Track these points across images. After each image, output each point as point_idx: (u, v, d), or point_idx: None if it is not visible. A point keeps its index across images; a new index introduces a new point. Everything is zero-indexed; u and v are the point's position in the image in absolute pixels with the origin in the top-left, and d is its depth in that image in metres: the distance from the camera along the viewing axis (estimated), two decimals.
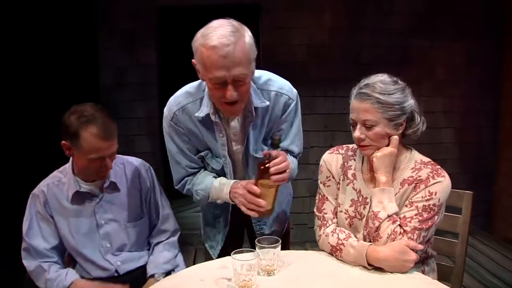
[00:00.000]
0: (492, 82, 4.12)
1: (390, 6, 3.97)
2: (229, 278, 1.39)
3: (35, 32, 3.75)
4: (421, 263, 1.56)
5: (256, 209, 1.53)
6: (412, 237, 1.43)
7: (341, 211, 1.60)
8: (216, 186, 1.66)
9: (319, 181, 1.68)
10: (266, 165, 1.48)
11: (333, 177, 1.64)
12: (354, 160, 1.63)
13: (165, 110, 1.66)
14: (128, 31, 3.90)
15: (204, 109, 1.58)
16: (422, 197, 1.46)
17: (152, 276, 1.74)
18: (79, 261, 1.74)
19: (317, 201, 1.67)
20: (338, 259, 1.52)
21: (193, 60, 1.48)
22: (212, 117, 1.58)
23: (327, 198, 1.64)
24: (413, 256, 1.41)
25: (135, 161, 1.85)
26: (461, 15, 3.99)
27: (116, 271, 1.75)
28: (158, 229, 1.86)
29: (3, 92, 3.82)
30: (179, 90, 1.68)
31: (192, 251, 3.79)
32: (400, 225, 1.44)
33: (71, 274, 1.68)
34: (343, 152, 1.66)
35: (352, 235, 1.53)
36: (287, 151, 1.70)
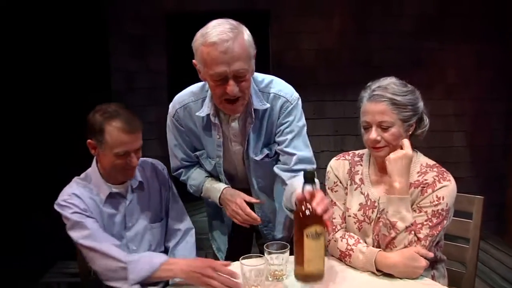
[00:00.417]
0: (503, 84, 4.08)
1: (399, 8, 3.97)
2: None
3: (47, 37, 3.83)
4: (431, 268, 1.55)
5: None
6: (425, 244, 1.42)
7: (349, 216, 1.60)
8: (207, 187, 1.76)
9: (326, 187, 1.67)
10: (307, 209, 1.27)
11: (340, 182, 1.64)
12: (361, 165, 1.63)
13: (170, 106, 1.74)
14: (138, 36, 3.96)
15: (205, 109, 1.62)
16: (430, 202, 1.45)
17: None
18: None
19: None
20: (347, 265, 1.52)
21: (193, 61, 1.51)
22: (212, 118, 1.62)
23: (335, 203, 1.63)
24: (423, 263, 1.40)
25: (151, 160, 1.82)
26: (471, 17, 3.97)
27: None
28: (172, 229, 1.81)
29: (17, 97, 3.89)
30: (186, 89, 1.73)
31: (202, 255, 3.78)
32: (414, 233, 1.43)
33: None
34: (350, 158, 1.66)
35: (361, 240, 1.53)
36: (287, 153, 1.65)
